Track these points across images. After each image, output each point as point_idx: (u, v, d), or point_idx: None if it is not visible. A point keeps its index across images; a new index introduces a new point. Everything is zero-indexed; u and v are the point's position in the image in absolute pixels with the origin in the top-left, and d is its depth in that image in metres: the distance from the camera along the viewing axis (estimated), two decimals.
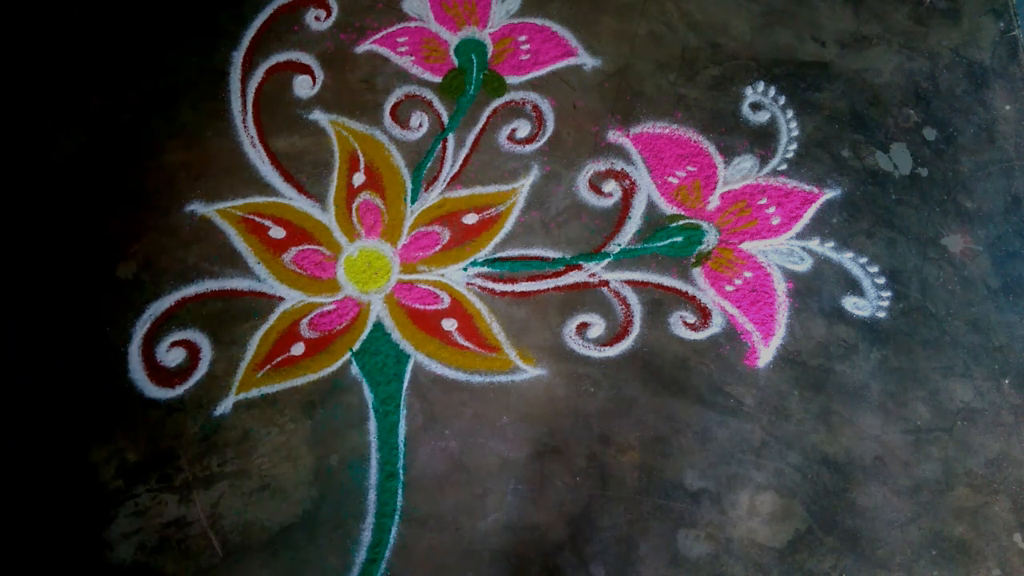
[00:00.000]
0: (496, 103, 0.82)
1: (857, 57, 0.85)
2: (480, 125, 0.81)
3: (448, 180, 0.78)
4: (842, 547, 0.67)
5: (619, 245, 0.76)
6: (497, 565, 0.65)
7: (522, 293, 0.74)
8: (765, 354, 0.73)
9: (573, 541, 0.66)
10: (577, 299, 0.74)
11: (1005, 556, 0.67)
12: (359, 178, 0.78)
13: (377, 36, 0.84)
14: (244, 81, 0.81)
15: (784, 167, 0.80)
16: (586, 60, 0.83)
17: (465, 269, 0.75)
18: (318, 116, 0.80)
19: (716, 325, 0.73)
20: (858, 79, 0.83)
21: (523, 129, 0.80)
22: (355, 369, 0.71)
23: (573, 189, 0.78)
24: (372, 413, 0.69)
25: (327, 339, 0.72)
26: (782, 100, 0.82)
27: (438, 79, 0.82)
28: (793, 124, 0.81)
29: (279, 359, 0.71)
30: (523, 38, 0.84)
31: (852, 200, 0.78)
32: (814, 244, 0.77)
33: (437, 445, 0.68)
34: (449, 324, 0.73)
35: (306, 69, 0.82)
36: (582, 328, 0.73)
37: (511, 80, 0.82)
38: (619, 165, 0.79)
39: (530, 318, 0.73)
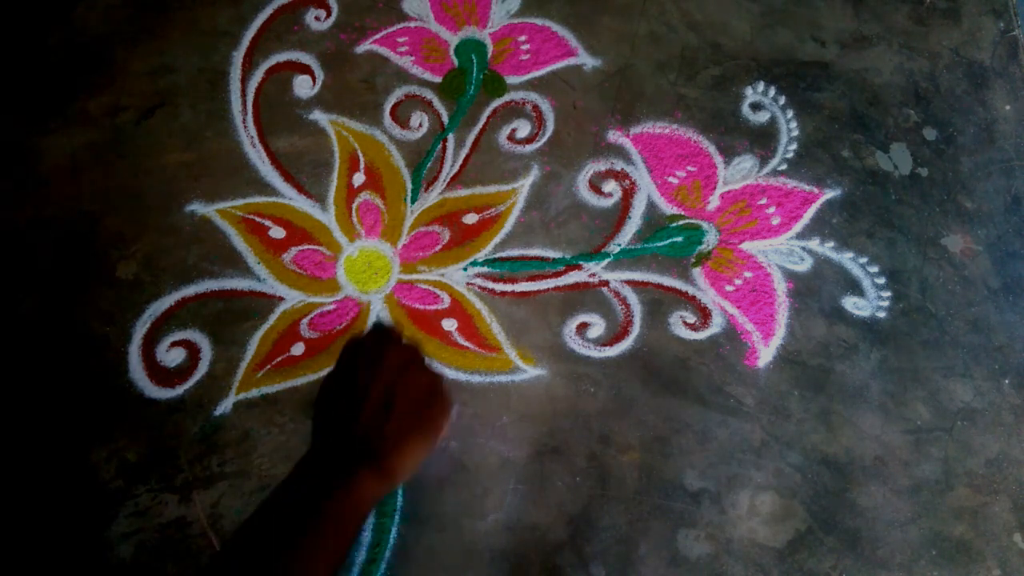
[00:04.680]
0: (496, 103, 0.81)
1: (857, 57, 0.84)
2: (480, 125, 0.80)
3: (448, 180, 0.78)
4: (842, 547, 0.66)
5: (619, 245, 0.76)
6: (497, 565, 0.65)
7: (522, 293, 0.74)
8: (765, 354, 0.73)
9: (573, 541, 0.66)
10: (577, 299, 0.74)
11: (1005, 556, 0.67)
12: (359, 178, 0.78)
13: (377, 36, 0.84)
14: (244, 81, 0.81)
15: (784, 167, 0.80)
16: (586, 60, 0.83)
17: (465, 269, 0.75)
18: (318, 116, 0.80)
19: (716, 325, 0.73)
20: (858, 79, 0.83)
21: (523, 129, 0.80)
22: None
23: (573, 189, 0.78)
24: None
25: (327, 339, 0.72)
26: (782, 100, 0.82)
27: (438, 79, 0.82)
28: (793, 124, 0.81)
29: (279, 359, 0.71)
30: (523, 38, 0.84)
31: (852, 200, 0.78)
32: (814, 244, 0.77)
33: (438, 445, 0.67)
34: (449, 324, 0.73)
35: (306, 69, 0.82)
36: (582, 328, 0.73)
37: (511, 80, 0.82)
38: (619, 165, 0.79)
39: (530, 318, 0.73)
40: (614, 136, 0.80)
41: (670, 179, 0.78)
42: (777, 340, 0.73)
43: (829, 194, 0.78)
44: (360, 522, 0.40)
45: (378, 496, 0.42)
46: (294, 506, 0.39)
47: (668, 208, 0.78)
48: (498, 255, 0.75)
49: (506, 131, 0.80)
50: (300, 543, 0.37)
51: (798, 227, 0.77)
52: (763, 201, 0.78)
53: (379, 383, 0.44)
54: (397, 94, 0.81)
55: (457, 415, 0.53)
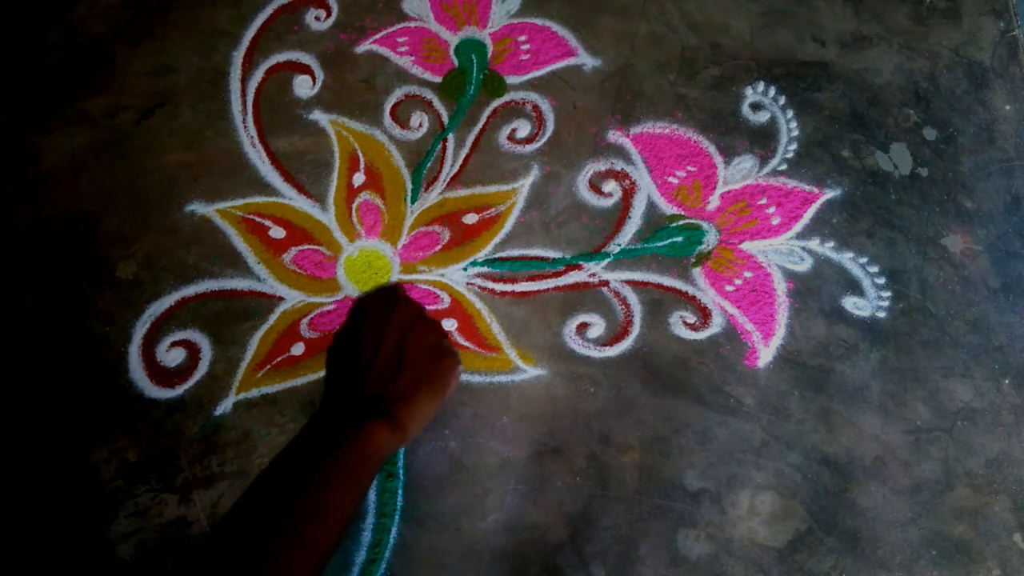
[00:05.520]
0: (496, 103, 0.81)
1: (857, 57, 0.84)
2: (480, 125, 0.80)
3: (448, 180, 0.78)
4: (842, 547, 0.66)
5: (619, 245, 0.76)
6: (497, 565, 0.65)
7: (522, 293, 0.74)
8: (765, 354, 0.73)
9: (573, 541, 0.66)
10: (577, 299, 0.74)
11: (1005, 556, 0.67)
12: (359, 178, 0.78)
13: (377, 36, 0.84)
14: (244, 81, 0.81)
15: (784, 167, 0.80)
16: (586, 60, 0.83)
17: (465, 269, 0.75)
18: (318, 116, 0.80)
19: (716, 325, 0.73)
20: (858, 79, 0.83)
21: (523, 129, 0.80)
22: None
23: (573, 189, 0.78)
24: None
25: (327, 339, 0.72)
26: (782, 100, 0.82)
27: (438, 79, 0.82)
28: (793, 124, 0.81)
29: (279, 359, 0.71)
30: (523, 38, 0.84)
31: (852, 200, 0.78)
32: (814, 244, 0.77)
33: (437, 445, 0.68)
34: (449, 324, 0.73)
35: (306, 69, 0.82)
36: (582, 328, 0.73)
37: (511, 80, 0.82)
38: (619, 165, 0.79)
39: (530, 318, 0.73)
40: (614, 136, 0.80)
41: (670, 179, 0.78)
42: (777, 340, 0.73)
43: (829, 194, 0.78)
44: (372, 473, 0.41)
45: (390, 448, 0.42)
46: (308, 454, 0.40)
47: (668, 208, 0.78)
48: (498, 255, 0.75)
49: (506, 131, 0.80)
50: (313, 489, 0.37)
51: (798, 227, 0.77)
52: (763, 201, 0.78)
53: (389, 339, 0.45)
54: (397, 94, 0.81)
55: (461, 372, 0.53)
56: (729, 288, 0.75)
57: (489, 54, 0.83)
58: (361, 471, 0.40)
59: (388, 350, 0.45)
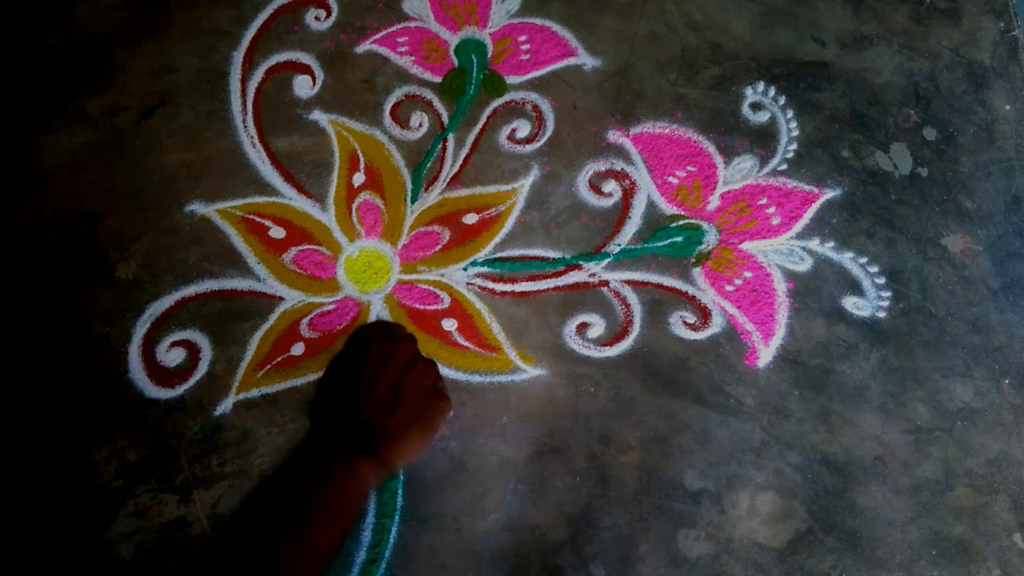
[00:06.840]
0: (496, 103, 0.81)
1: (857, 57, 0.84)
2: (480, 125, 0.80)
3: (448, 180, 0.78)
4: (842, 547, 0.67)
5: (619, 245, 0.76)
6: (497, 565, 0.65)
7: (522, 293, 0.74)
8: (765, 354, 0.73)
9: (573, 541, 0.66)
10: (577, 299, 0.74)
11: (1005, 556, 0.67)
12: (359, 178, 0.78)
13: (377, 36, 0.84)
14: (244, 81, 0.81)
15: (784, 167, 0.80)
16: (586, 60, 0.83)
17: (465, 269, 0.75)
18: (318, 116, 0.80)
19: (716, 325, 0.73)
20: (858, 79, 0.83)
21: (523, 129, 0.80)
22: None
23: (573, 189, 0.78)
24: None
25: (327, 339, 0.72)
26: (782, 100, 0.82)
27: (438, 79, 0.82)
28: (793, 124, 0.81)
29: (279, 359, 0.71)
30: (523, 38, 0.84)
31: (852, 200, 0.78)
32: (814, 244, 0.77)
33: (437, 445, 0.68)
34: (449, 324, 0.73)
35: (306, 69, 0.82)
36: (582, 328, 0.73)
37: (511, 80, 0.82)
38: (619, 165, 0.79)
39: (530, 318, 0.73)
40: (614, 136, 0.80)
41: (670, 179, 0.79)
42: (777, 340, 0.73)
43: (829, 194, 0.78)
44: (356, 507, 0.41)
45: (376, 483, 0.43)
46: (295, 488, 0.40)
47: (668, 208, 0.78)
48: (498, 255, 0.75)
49: (506, 131, 0.80)
50: (300, 523, 0.38)
51: (798, 227, 0.77)
52: (763, 201, 0.78)
53: (388, 376, 0.45)
54: (397, 94, 0.81)
55: (452, 415, 0.54)
56: (729, 288, 0.75)
57: (489, 54, 0.83)
58: (345, 505, 0.41)
59: (385, 387, 0.45)
